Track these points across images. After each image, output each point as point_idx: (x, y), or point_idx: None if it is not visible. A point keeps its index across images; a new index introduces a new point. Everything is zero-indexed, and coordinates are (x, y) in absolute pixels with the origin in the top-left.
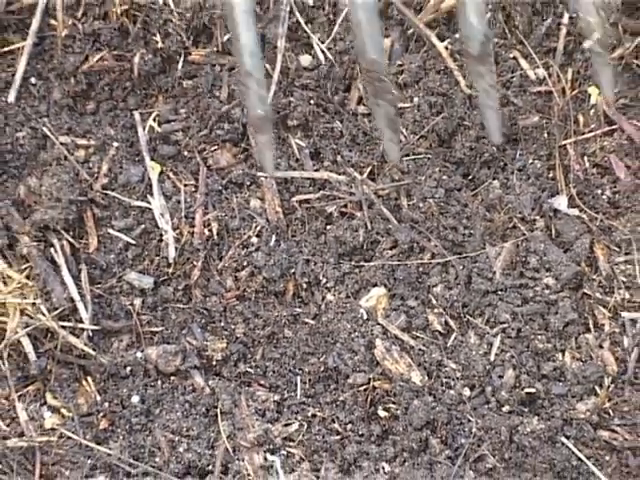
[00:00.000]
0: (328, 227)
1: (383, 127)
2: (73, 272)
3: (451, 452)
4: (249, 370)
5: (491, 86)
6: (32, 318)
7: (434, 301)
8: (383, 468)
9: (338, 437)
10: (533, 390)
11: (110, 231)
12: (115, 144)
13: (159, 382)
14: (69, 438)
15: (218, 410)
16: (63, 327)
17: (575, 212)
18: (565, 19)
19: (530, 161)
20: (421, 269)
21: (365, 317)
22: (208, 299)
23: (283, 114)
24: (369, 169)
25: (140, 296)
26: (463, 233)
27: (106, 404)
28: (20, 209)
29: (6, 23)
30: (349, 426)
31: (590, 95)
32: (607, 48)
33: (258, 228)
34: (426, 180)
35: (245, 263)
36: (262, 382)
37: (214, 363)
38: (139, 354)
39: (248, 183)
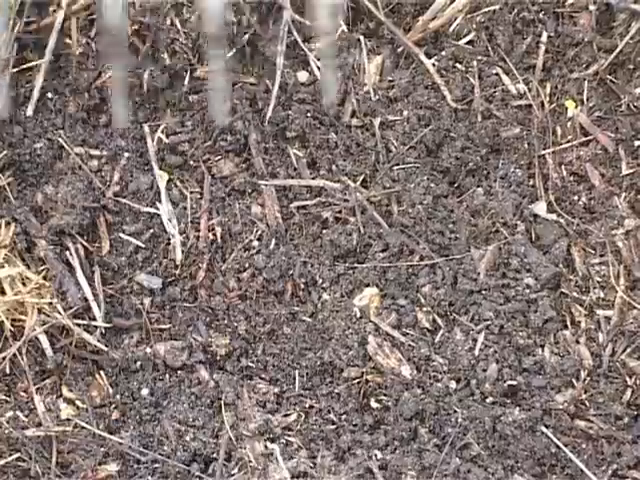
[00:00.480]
0: (324, 231)
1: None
2: (87, 273)
3: (439, 440)
4: (251, 364)
5: (220, 70)
6: (49, 316)
7: (423, 300)
8: (375, 455)
9: (333, 427)
10: (515, 383)
11: (121, 235)
12: (126, 154)
13: (167, 376)
14: (83, 428)
15: (222, 402)
16: (78, 325)
17: (553, 217)
18: (544, 38)
19: (512, 170)
20: (410, 270)
21: (358, 315)
22: (212, 298)
23: (282, 126)
24: (362, 177)
25: (149, 296)
26: (449, 237)
27: (118, 396)
28: (37, 215)
29: (24, 42)
30: (344, 416)
31: (567, 108)
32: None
33: (259, 232)
34: (415, 187)
35: (247, 265)
36: (263, 376)
37: (218, 358)
38: (148, 350)
39: (249, 190)
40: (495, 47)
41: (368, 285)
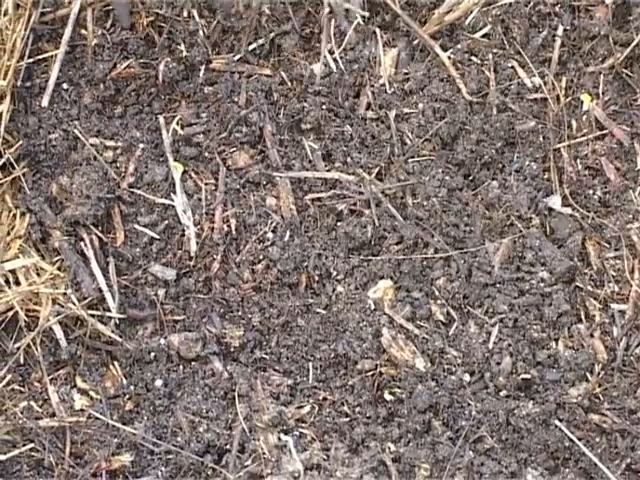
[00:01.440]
0: (338, 223)
1: None
2: (101, 264)
3: (452, 433)
4: (264, 356)
5: None
6: (63, 307)
7: (437, 293)
8: (389, 448)
9: (347, 419)
10: (528, 376)
11: (136, 226)
12: (141, 145)
13: (181, 367)
14: (97, 419)
15: (235, 393)
16: (92, 315)
17: (568, 211)
18: (560, 31)
19: (527, 163)
20: (425, 263)
21: (373, 307)
22: (227, 290)
23: (297, 118)
24: (377, 170)
25: (163, 287)
26: (464, 230)
27: (131, 387)
28: (52, 206)
29: (40, 33)
30: (357, 409)
31: (583, 102)
32: None
33: (273, 224)
34: (430, 180)
35: (261, 257)
36: (276, 367)
37: (232, 349)
38: (162, 341)
39: (264, 182)
40: (511, 40)
41: (382, 277)
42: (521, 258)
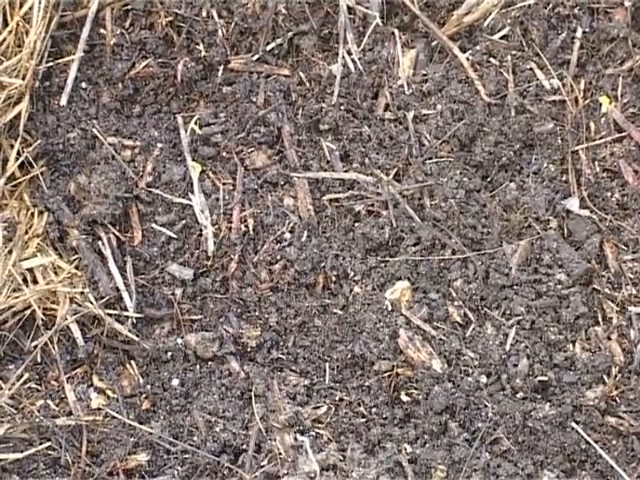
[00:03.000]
0: (356, 224)
1: None
2: (119, 263)
3: (469, 435)
4: (281, 356)
5: None
6: (80, 306)
7: (454, 294)
8: (405, 449)
9: (363, 420)
10: (545, 378)
11: (153, 226)
12: (159, 145)
13: (197, 367)
14: (113, 417)
15: (252, 393)
16: (109, 314)
17: (586, 213)
18: (579, 33)
19: (545, 165)
20: (442, 264)
21: (390, 308)
22: (244, 290)
23: (315, 119)
24: (395, 171)
25: (181, 286)
26: (482, 231)
27: (148, 386)
28: (70, 204)
29: (60, 32)
30: (374, 410)
31: (601, 104)
32: None
33: (291, 224)
34: (447, 182)
35: (279, 257)
36: (293, 368)
37: (249, 349)
38: (179, 340)
39: (282, 183)
40: (530, 42)
41: (400, 279)
42: (538, 260)
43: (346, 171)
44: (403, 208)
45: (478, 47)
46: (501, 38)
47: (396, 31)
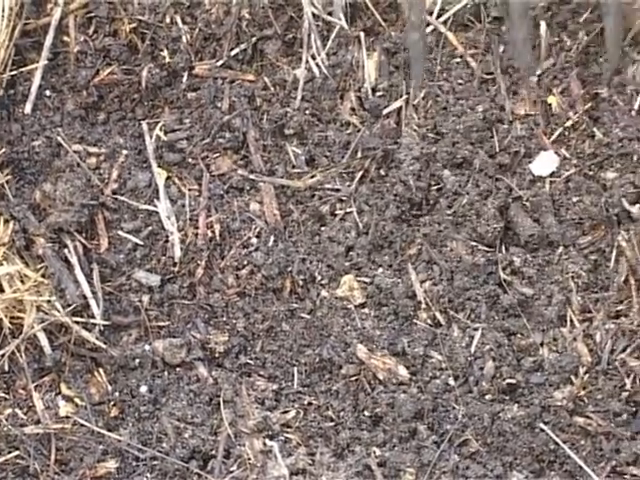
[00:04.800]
0: (322, 228)
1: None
2: (85, 271)
3: (437, 437)
4: (249, 361)
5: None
6: (47, 314)
7: (421, 296)
8: (374, 452)
9: (332, 424)
10: (513, 381)
11: (120, 233)
12: (124, 152)
13: (166, 373)
14: (82, 425)
15: (220, 399)
16: (76, 322)
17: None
18: None
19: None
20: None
21: (357, 312)
22: (211, 295)
23: (280, 124)
24: (360, 174)
25: (148, 293)
26: (444, 233)
27: (116, 394)
28: (36, 213)
29: (23, 40)
30: (342, 413)
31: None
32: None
33: (257, 229)
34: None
35: (245, 262)
36: (261, 373)
37: (217, 355)
38: (147, 347)
39: (248, 188)
40: None
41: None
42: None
43: (312, 175)
44: (369, 211)
45: None
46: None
47: (361, 34)
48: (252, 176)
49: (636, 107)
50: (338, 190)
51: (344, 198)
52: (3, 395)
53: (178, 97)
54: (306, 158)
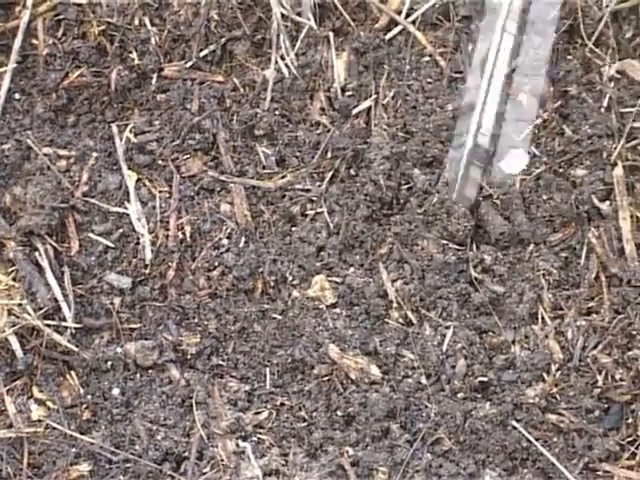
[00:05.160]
0: (293, 229)
1: None
2: (56, 274)
3: (410, 436)
4: (221, 363)
5: None
6: (18, 317)
7: (392, 295)
8: (347, 452)
9: (305, 424)
10: (485, 378)
11: (90, 235)
12: (94, 154)
13: (138, 375)
14: (54, 429)
15: (193, 400)
16: (48, 325)
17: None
18: None
19: None
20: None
21: (328, 312)
22: (182, 297)
23: (250, 124)
24: (330, 174)
25: (119, 295)
26: (415, 232)
27: (89, 396)
28: (6, 216)
29: None
30: (315, 414)
31: None
32: None
33: (228, 231)
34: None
35: (216, 263)
36: (234, 374)
37: (189, 357)
38: (119, 349)
39: (218, 189)
40: None
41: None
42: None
43: (282, 176)
44: (339, 211)
45: None
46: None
47: (331, 34)
48: (222, 177)
49: (605, 104)
50: (309, 190)
51: (315, 198)
52: None
53: (148, 99)
54: (276, 158)
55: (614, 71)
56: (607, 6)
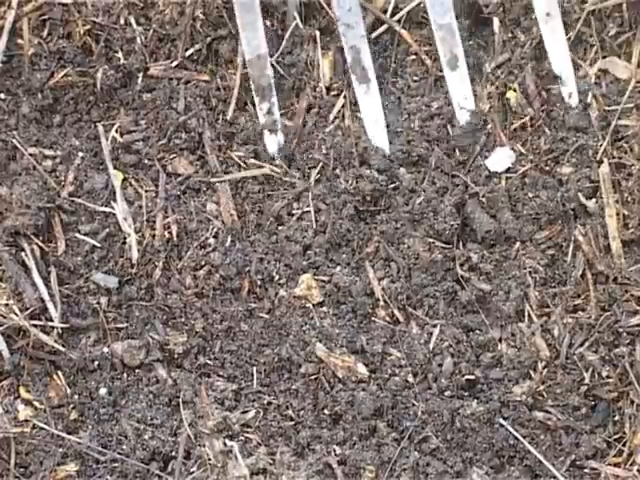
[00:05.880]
0: (280, 228)
1: None
2: (43, 274)
3: (397, 435)
4: (208, 362)
5: None
6: (5, 318)
7: (379, 293)
8: (334, 451)
9: (292, 423)
10: (472, 377)
11: (77, 235)
12: (80, 154)
13: (125, 375)
14: (41, 429)
15: (180, 400)
16: (34, 325)
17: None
18: None
19: None
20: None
21: (315, 310)
22: (169, 297)
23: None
24: (317, 172)
25: (106, 295)
26: (402, 230)
27: (76, 396)
28: None
29: None
30: (302, 412)
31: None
32: None
33: (214, 230)
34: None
35: (203, 262)
36: (220, 373)
37: (175, 356)
38: (106, 349)
39: (204, 188)
40: None
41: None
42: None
43: (271, 174)
44: (326, 210)
45: None
46: None
47: (317, 33)
48: (208, 177)
49: (589, 102)
50: (295, 189)
51: (301, 197)
52: None
53: (133, 98)
54: (263, 158)
55: (597, 69)
56: (584, 2)
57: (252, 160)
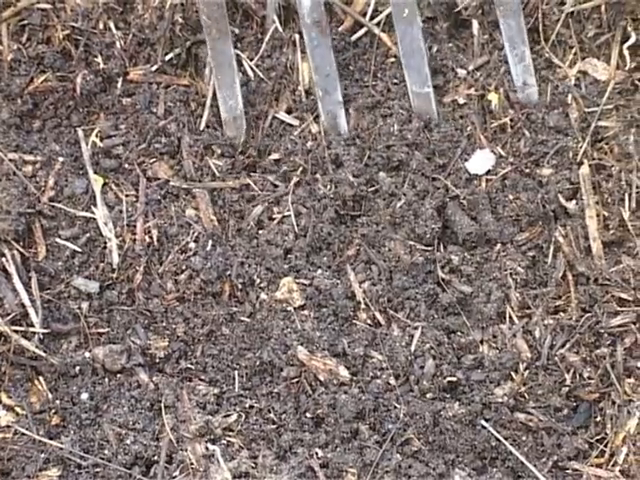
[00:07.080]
0: (260, 232)
1: None
2: (24, 279)
3: (379, 437)
4: (190, 366)
5: None
6: None
7: (360, 296)
8: (316, 454)
9: (274, 426)
10: (454, 378)
11: (57, 240)
12: (60, 159)
13: (106, 380)
14: (23, 434)
15: (162, 404)
16: (15, 331)
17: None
18: None
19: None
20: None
21: (296, 314)
22: (150, 301)
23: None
24: (297, 178)
25: (87, 300)
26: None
27: (57, 401)
28: None
29: None
30: (284, 416)
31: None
32: None
33: (195, 234)
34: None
35: (184, 267)
36: (202, 377)
37: (157, 361)
38: (87, 354)
39: (184, 194)
40: None
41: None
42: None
43: (250, 181)
44: (306, 214)
45: None
46: None
47: (296, 37)
48: (185, 182)
49: (569, 103)
50: (275, 193)
51: (281, 201)
52: None
53: (113, 103)
54: (242, 162)
55: (576, 71)
56: (563, 3)
57: (229, 168)
